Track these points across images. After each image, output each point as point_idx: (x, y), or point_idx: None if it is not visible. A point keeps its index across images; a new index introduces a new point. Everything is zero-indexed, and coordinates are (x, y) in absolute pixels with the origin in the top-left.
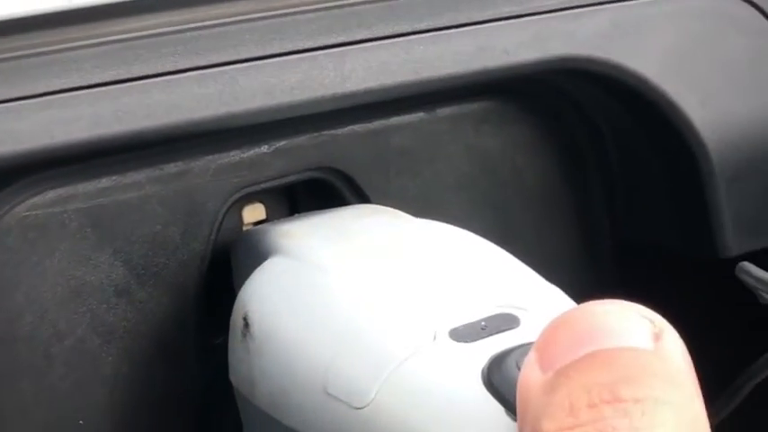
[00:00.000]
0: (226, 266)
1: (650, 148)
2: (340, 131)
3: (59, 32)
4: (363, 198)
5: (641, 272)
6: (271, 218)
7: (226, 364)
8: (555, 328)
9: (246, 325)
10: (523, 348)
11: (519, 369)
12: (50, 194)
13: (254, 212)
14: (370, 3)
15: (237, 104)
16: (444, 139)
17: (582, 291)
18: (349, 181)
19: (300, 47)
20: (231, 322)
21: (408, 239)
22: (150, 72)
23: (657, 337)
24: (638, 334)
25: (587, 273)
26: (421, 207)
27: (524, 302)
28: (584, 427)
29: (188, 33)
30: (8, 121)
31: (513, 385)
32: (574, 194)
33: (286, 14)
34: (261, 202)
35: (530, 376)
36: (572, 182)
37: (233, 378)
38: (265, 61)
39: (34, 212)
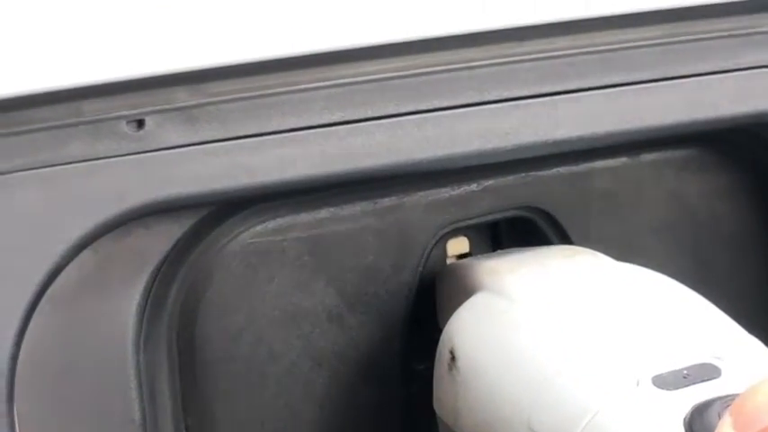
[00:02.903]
0: (429, 295)
1: None
2: (546, 173)
3: (292, 75)
4: (565, 237)
5: None
6: (474, 251)
7: (427, 390)
8: (751, 395)
9: (453, 358)
10: (725, 400)
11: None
12: (272, 224)
13: (458, 245)
14: (584, 54)
15: (454, 147)
16: (646, 184)
17: None
18: (552, 220)
19: (516, 94)
20: (437, 354)
21: (611, 283)
22: (374, 114)
23: None
24: None
25: None
26: (621, 249)
27: (725, 353)
28: None
29: (411, 79)
30: (243, 156)
31: None
32: None
33: (504, 63)
34: (466, 236)
35: None
36: None
37: (437, 408)
38: (482, 107)
39: (257, 240)
